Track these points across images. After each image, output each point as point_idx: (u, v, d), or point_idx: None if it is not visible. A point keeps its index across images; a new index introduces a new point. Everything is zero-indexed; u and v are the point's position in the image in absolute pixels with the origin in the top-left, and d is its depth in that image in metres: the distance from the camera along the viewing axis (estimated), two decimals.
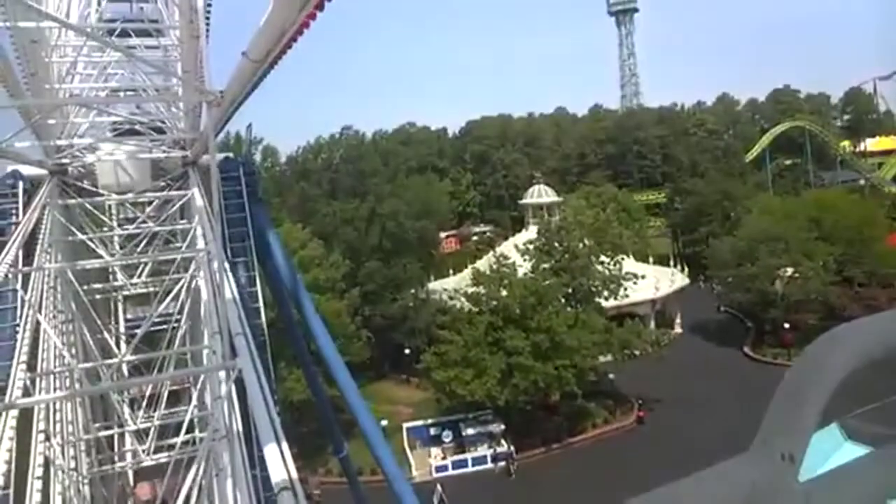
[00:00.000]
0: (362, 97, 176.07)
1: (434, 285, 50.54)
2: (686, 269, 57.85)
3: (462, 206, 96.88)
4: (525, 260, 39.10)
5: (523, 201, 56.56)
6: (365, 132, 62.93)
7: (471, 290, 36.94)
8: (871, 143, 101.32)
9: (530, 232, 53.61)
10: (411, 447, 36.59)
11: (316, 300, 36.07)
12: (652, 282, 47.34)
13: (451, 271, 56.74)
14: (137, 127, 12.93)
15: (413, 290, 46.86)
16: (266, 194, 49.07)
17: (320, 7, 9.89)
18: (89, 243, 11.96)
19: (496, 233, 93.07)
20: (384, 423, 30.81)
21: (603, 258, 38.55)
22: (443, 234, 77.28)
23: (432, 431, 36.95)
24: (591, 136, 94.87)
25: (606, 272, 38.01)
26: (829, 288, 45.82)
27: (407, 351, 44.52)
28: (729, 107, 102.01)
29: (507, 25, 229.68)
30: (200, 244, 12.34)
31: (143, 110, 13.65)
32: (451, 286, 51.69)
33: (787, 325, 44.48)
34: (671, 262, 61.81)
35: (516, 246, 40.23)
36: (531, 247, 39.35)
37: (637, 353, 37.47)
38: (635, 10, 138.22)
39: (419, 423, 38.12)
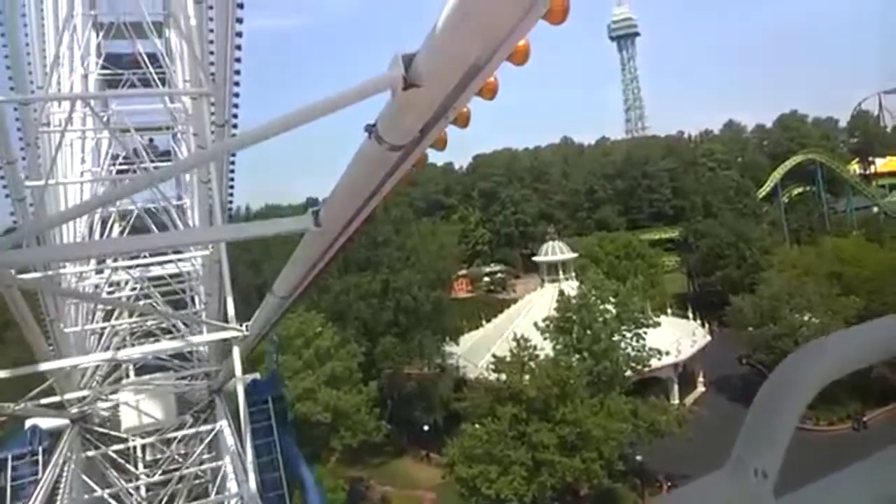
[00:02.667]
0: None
1: (451, 348, 49.76)
2: (703, 320, 56.79)
3: (472, 245, 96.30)
4: (545, 339, 38.29)
5: (538, 258, 55.82)
6: None
7: (492, 376, 36.20)
8: (881, 164, 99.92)
9: (546, 292, 52.96)
10: None
11: (333, 395, 35.50)
12: (673, 341, 46.41)
13: (464, 323, 55.95)
14: (163, 362, 12.39)
15: (428, 362, 46.09)
16: (278, 270, 48.45)
17: (344, 249, 9.39)
18: (112, 502, 11.32)
19: (507, 272, 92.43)
20: None
21: (625, 332, 37.76)
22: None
23: None
24: (599, 170, 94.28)
25: (630, 350, 37.22)
26: None
27: (426, 428, 43.65)
28: (736, 134, 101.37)
29: None
30: (232, 486, 11.75)
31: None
32: (469, 347, 51.14)
33: None
34: (687, 307, 60.98)
35: (536, 324, 39.30)
36: (551, 325, 38.54)
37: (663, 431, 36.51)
38: (637, 34, 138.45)
39: None
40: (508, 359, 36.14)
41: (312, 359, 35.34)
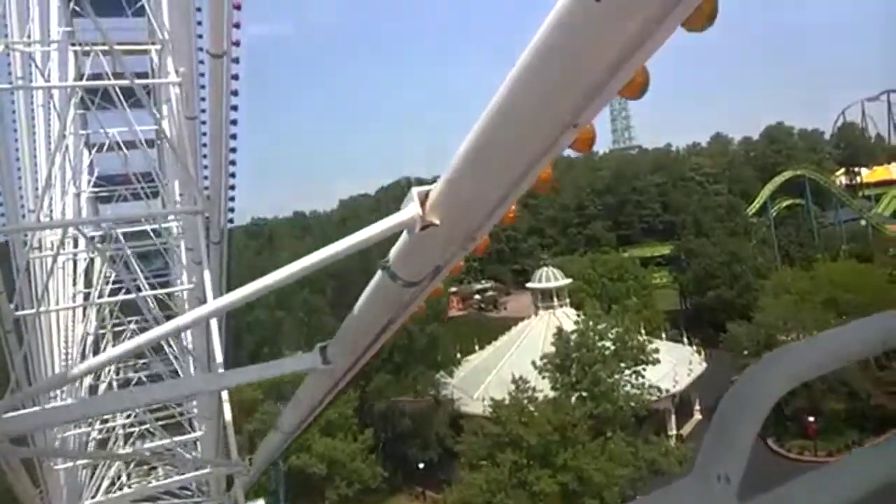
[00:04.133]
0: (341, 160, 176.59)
1: (446, 378, 48.90)
2: (696, 342, 56.40)
3: (462, 261, 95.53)
4: (543, 378, 37.59)
5: (531, 285, 55.13)
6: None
7: (488, 411, 35.48)
8: (867, 175, 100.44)
9: (540, 320, 52.29)
10: None
11: (329, 445, 34.49)
12: (669, 370, 45.95)
13: (457, 347, 55.04)
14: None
15: (419, 390, 45.18)
16: (271, 309, 47.65)
17: (352, 384, 9.08)
18: None
19: (498, 289, 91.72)
20: None
21: (625, 369, 37.17)
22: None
23: None
24: (588, 185, 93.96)
25: (630, 388, 36.60)
26: (852, 373, 44.58)
27: (421, 465, 42.75)
28: (723, 147, 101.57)
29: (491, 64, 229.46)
30: None
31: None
32: (464, 377, 50.28)
33: (811, 419, 43.30)
34: (679, 326, 60.78)
35: (534, 363, 38.52)
36: (549, 364, 37.83)
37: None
38: None
39: None
40: (507, 401, 35.41)
41: None
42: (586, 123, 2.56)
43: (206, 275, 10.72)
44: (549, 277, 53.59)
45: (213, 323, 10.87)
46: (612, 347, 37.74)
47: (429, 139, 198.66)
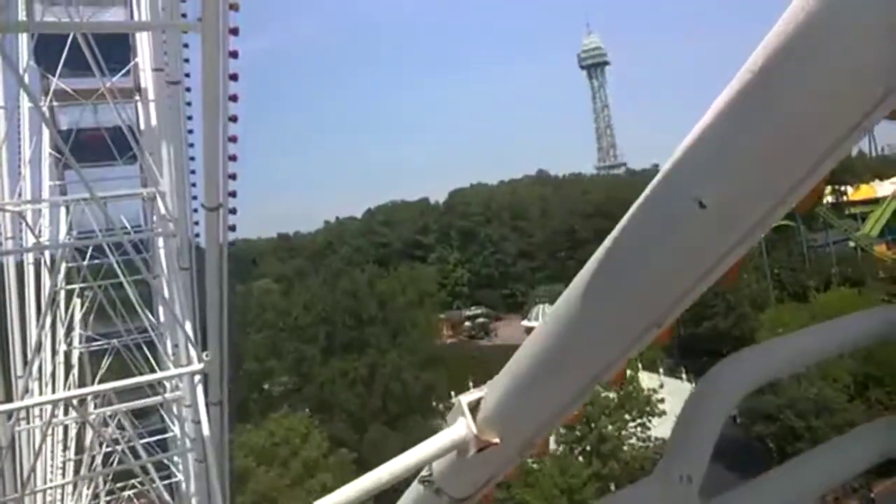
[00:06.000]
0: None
1: (442, 423, 47.54)
2: (694, 377, 55.68)
3: (451, 286, 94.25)
4: None
5: (526, 323, 54.00)
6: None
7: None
8: (852, 193, 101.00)
9: None
10: None
11: None
12: (670, 412, 45.11)
13: (450, 391, 53.79)
14: None
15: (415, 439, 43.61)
16: (259, 359, 46.05)
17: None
18: None
19: (488, 315, 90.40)
20: None
21: (629, 422, 36.26)
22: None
23: None
24: (578, 209, 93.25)
25: (635, 441, 35.67)
26: (855, 411, 44.04)
27: None
28: None
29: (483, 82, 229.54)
30: None
31: None
32: None
33: None
34: (675, 357, 60.14)
35: None
36: None
37: None
38: (606, 63, 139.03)
39: None
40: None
41: (301, 472, 32.69)
42: (669, 324, 2.33)
43: (206, 434, 10.02)
44: (546, 314, 52.41)
45: (214, 477, 10.27)
46: (617, 398, 36.74)
47: (417, 159, 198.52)
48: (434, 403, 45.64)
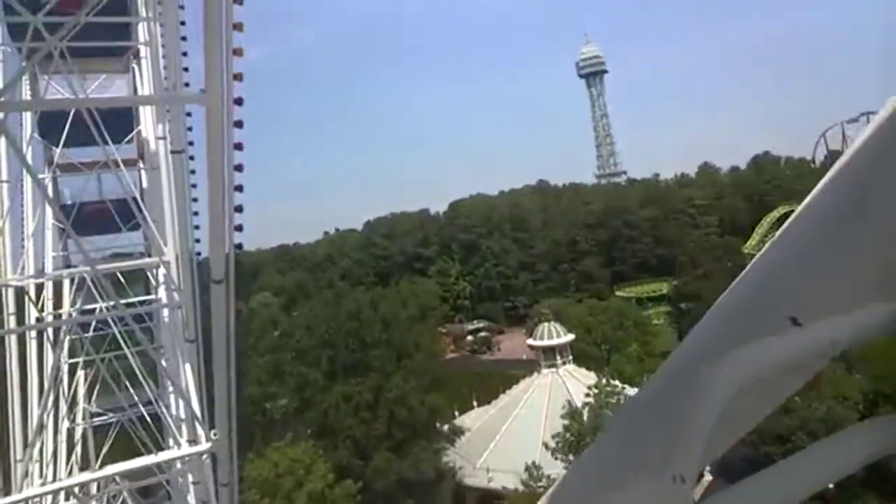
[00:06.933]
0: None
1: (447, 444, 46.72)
2: None
3: (452, 299, 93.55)
4: (555, 458, 35.69)
5: (532, 342, 53.11)
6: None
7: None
8: None
9: (544, 379, 50.32)
10: None
11: None
12: None
13: (455, 411, 53.02)
14: None
15: (421, 463, 42.96)
16: (262, 382, 45.22)
17: None
18: None
19: (490, 329, 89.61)
20: None
21: None
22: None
23: None
24: (579, 219, 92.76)
25: None
26: None
27: None
28: (711, 177, 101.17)
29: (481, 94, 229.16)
30: None
31: None
32: (466, 440, 48.12)
33: (829, 485, 41.77)
34: None
35: (546, 445, 36.62)
36: (561, 444, 35.97)
37: None
38: (605, 71, 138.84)
39: None
40: (520, 488, 33.51)
41: None
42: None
43: None
44: (552, 333, 51.71)
45: None
46: None
47: (417, 168, 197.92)
48: (438, 425, 44.92)
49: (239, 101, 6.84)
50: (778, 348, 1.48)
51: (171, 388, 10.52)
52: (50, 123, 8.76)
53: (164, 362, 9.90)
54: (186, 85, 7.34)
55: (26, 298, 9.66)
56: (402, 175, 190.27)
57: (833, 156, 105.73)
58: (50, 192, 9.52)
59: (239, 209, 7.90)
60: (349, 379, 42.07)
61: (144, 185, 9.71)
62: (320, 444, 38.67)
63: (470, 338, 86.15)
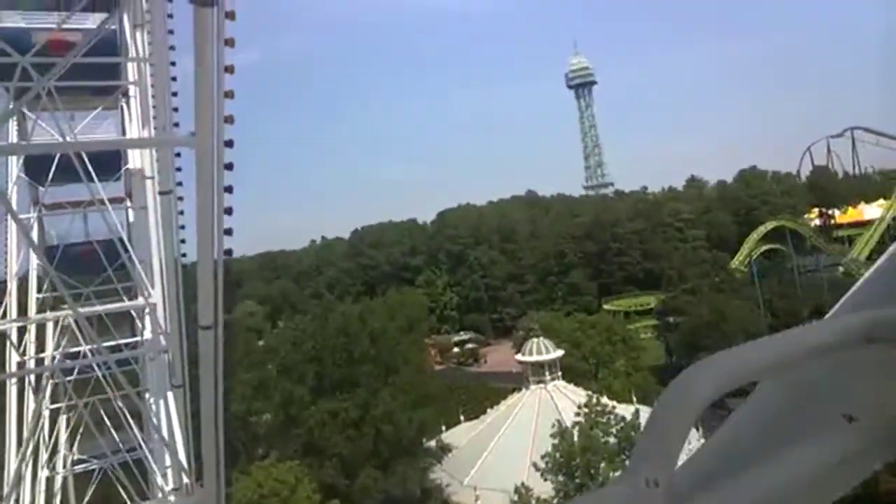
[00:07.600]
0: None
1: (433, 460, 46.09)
2: None
3: (439, 310, 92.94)
4: (544, 479, 35.15)
5: (521, 358, 52.67)
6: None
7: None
8: (839, 216, 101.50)
9: (532, 395, 49.90)
10: None
11: None
12: None
13: (442, 426, 52.43)
14: None
15: (407, 481, 42.35)
16: (246, 398, 44.39)
17: None
18: None
19: (477, 340, 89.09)
20: None
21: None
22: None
23: None
24: (567, 232, 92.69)
25: None
26: None
27: None
28: (698, 191, 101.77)
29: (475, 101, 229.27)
30: None
31: None
32: (452, 457, 47.54)
33: None
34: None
35: (535, 465, 36.03)
36: (551, 464, 35.41)
37: None
38: (593, 82, 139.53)
39: None
40: None
41: None
42: None
43: None
44: (541, 349, 51.31)
45: None
46: (618, 444, 35.57)
47: (405, 177, 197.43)
48: (424, 440, 44.36)
49: (229, 144, 6.55)
50: (761, 355, 1.42)
51: (156, 435, 10.01)
52: (37, 162, 8.34)
53: (150, 407, 9.37)
54: (176, 125, 6.94)
55: (7, 343, 9.14)
56: (391, 184, 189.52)
57: (818, 170, 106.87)
58: (35, 232, 9.10)
59: (228, 252, 7.46)
60: (336, 395, 41.39)
61: (132, 221, 9.26)
62: (305, 462, 37.94)
63: (456, 349, 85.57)
